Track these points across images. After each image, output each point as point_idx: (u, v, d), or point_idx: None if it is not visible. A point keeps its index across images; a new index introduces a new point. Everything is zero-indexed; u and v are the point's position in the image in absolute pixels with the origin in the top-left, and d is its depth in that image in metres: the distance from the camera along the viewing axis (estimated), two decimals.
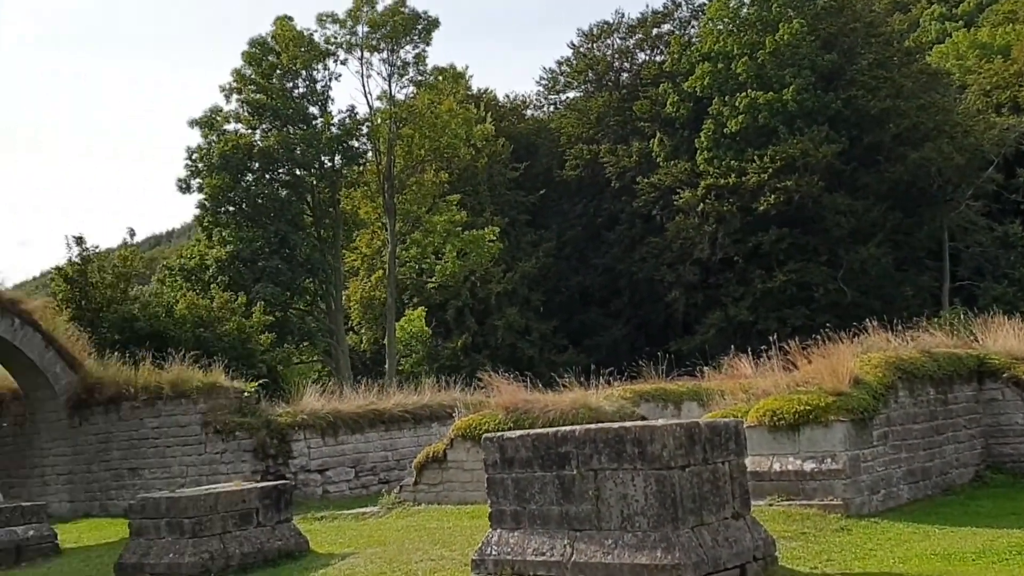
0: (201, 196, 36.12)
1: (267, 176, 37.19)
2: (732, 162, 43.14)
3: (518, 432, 9.19)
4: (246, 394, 19.26)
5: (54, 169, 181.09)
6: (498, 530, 9.07)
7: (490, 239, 42.59)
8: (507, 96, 56.07)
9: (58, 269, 25.48)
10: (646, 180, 46.44)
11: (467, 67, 59.04)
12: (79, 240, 26.11)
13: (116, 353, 21.86)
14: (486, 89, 54.13)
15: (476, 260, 42.79)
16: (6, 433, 22.75)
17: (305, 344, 37.45)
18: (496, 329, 45.59)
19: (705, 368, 18.76)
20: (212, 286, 30.16)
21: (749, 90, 43.05)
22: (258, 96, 37.10)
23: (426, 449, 16.34)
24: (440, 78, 42.85)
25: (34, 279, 73.15)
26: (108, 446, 20.60)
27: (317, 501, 18.28)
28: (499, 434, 9.22)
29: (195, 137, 36.65)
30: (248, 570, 11.59)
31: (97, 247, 26.01)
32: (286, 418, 18.86)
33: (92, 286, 25.04)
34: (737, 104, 43.10)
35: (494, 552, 8.98)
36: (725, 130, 43.69)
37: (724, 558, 8.15)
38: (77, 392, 20.95)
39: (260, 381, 20.11)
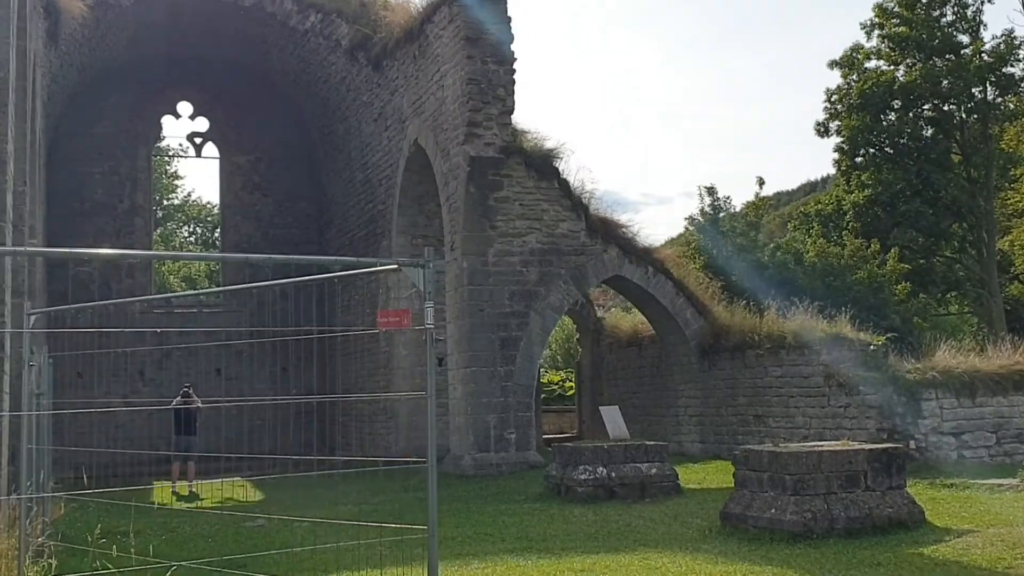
0: (839, 139, 35.07)
1: (910, 114, 34.79)
2: None
3: None
4: (872, 347, 18.09)
5: (698, 121, 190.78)
6: None
7: None
8: None
9: (691, 219, 26.46)
10: None
11: None
12: (711, 190, 26.82)
13: (743, 300, 22.06)
14: None
15: None
16: (645, 374, 24.30)
17: (953, 295, 34.55)
18: None
19: None
20: (844, 233, 29.05)
21: None
22: (901, 29, 34.81)
23: None
24: None
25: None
26: (734, 391, 20.89)
27: (950, 467, 16.62)
28: None
29: (834, 79, 35.39)
30: (853, 535, 10.74)
31: (728, 197, 26.50)
32: (915, 375, 17.36)
33: (723, 235, 25.58)
34: None
35: None
36: None
37: None
38: (706, 337, 21.55)
39: (889, 334, 18.79)
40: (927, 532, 10.90)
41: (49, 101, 25.34)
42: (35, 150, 17.36)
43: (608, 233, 21.23)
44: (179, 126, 36.27)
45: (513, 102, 20.45)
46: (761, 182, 26.92)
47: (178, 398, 20.91)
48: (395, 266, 5.24)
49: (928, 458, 16.99)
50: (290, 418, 32.11)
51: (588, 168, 34.60)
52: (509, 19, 20.55)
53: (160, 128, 32.95)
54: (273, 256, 6.41)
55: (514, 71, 20.51)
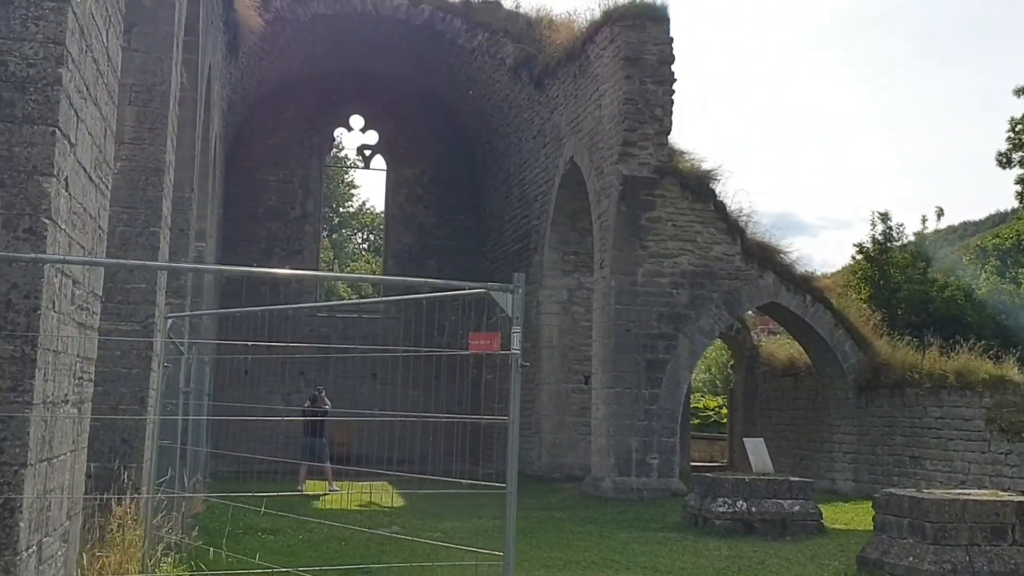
0: (1022, 171, 33.08)
1: None
2: None
3: None
4: None
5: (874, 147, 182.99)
6: None
7: None
8: None
9: (859, 247, 25.43)
10: None
11: None
12: (884, 217, 25.73)
13: (906, 336, 21.08)
14: None
15: None
16: (799, 407, 23.53)
17: None
18: None
19: None
20: (1020, 270, 27.32)
21: None
22: None
23: None
24: None
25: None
26: (891, 431, 20.00)
27: None
28: None
29: (1020, 107, 33.54)
30: None
31: (902, 225, 25.32)
32: None
33: (891, 265, 24.50)
34: None
35: None
36: None
37: None
38: (864, 372, 20.70)
39: None
40: None
41: (229, 111, 26.69)
42: (208, 158, 18.28)
43: (765, 258, 20.70)
44: (351, 138, 37.37)
45: (670, 122, 20.25)
46: (940, 213, 25.58)
47: (308, 402, 21.69)
48: (482, 290, 5.27)
49: None
50: (440, 427, 32.70)
51: (746, 190, 33.94)
52: (671, 39, 20.37)
53: (333, 139, 34.20)
54: (365, 276, 6.58)
55: (673, 91, 20.31)
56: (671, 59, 20.34)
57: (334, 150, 41.71)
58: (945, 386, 18.39)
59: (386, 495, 20.78)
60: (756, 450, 16.19)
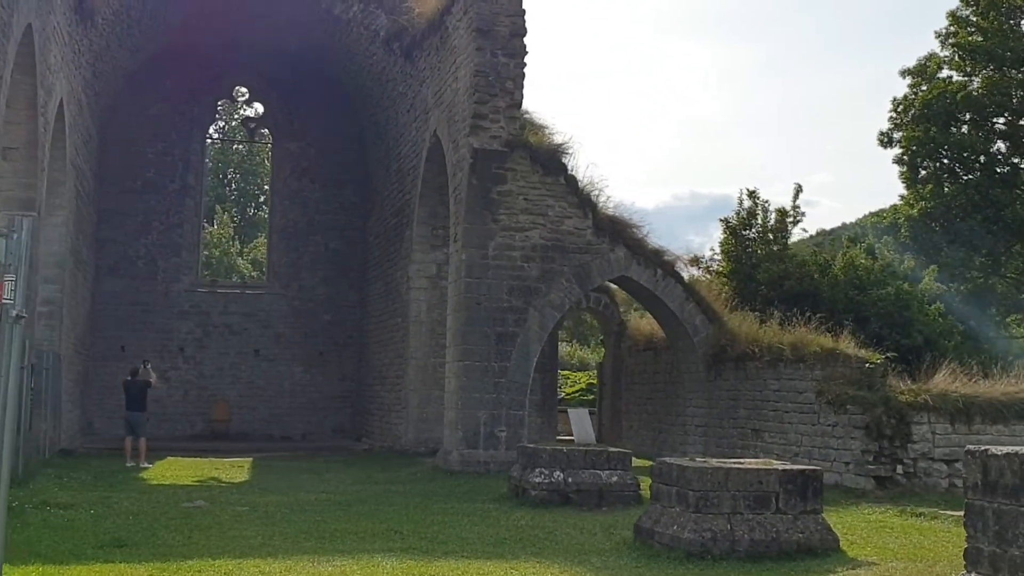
0: (899, 150, 33.46)
1: (980, 128, 32.89)
2: None
3: (1006, 449, 6.51)
4: (868, 365, 17.21)
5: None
6: (972, 574, 6.61)
7: None
8: None
9: (725, 222, 25.55)
10: None
11: None
12: (752, 194, 25.90)
13: (760, 310, 21.24)
14: None
15: None
16: (658, 380, 23.71)
17: (1014, 318, 32.66)
18: None
19: None
20: (876, 246, 27.70)
21: None
22: (974, 38, 32.96)
23: None
24: None
25: None
26: (736, 404, 20.20)
27: (937, 495, 15.76)
28: (983, 448, 6.64)
29: (903, 87, 33.90)
30: (755, 559, 10.19)
31: (767, 202, 25.49)
32: (908, 397, 16.47)
33: (752, 241, 24.71)
34: None
35: None
36: None
37: None
38: (713, 346, 20.86)
39: (888, 354, 17.81)
40: (834, 561, 10.27)
41: (96, 79, 26.01)
42: (38, 124, 17.77)
43: (616, 232, 20.73)
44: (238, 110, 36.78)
45: (521, 95, 20.16)
46: (799, 189, 25.62)
47: (128, 376, 21.28)
48: None
49: (915, 484, 16.14)
50: (322, 403, 32.44)
51: (596, 164, 34.06)
52: (523, 12, 20.24)
53: (216, 112, 33.55)
54: None
55: (524, 64, 20.20)
56: (523, 31, 20.22)
57: (227, 123, 40.86)
58: (782, 359, 18.56)
59: (233, 470, 20.56)
60: (579, 421, 16.22)
